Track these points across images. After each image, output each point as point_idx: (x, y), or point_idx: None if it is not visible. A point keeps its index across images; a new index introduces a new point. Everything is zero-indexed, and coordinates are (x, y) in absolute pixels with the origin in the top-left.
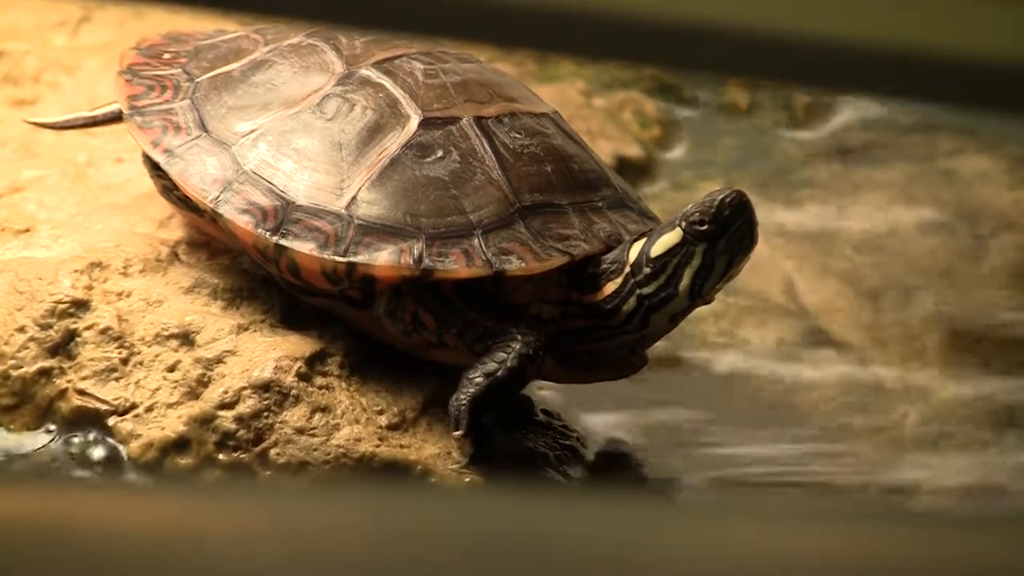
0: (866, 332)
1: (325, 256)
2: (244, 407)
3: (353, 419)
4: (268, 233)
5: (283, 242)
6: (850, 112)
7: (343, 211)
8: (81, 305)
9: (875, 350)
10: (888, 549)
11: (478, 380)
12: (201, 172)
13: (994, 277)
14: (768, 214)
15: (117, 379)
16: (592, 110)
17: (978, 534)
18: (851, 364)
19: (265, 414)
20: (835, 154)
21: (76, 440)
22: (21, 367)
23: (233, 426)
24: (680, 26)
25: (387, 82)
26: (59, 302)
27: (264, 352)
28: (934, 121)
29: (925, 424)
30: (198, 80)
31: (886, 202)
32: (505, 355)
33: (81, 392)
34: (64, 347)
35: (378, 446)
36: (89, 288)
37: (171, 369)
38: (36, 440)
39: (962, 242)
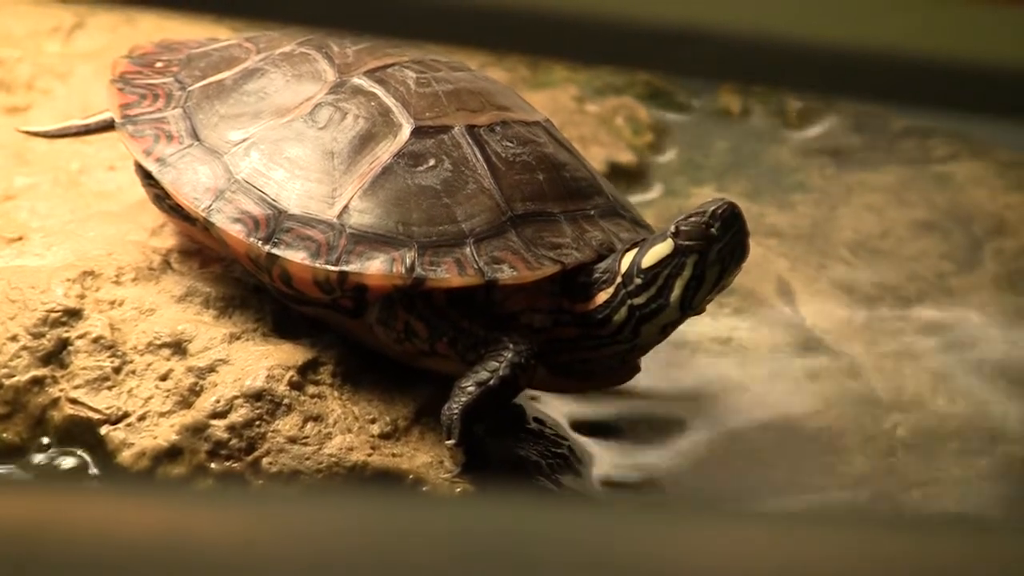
0: (859, 336)
1: (317, 265)
2: (236, 416)
3: (345, 428)
4: (260, 242)
5: (275, 251)
6: (843, 116)
7: (335, 220)
8: (73, 314)
9: (868, 356)
10: (878, 554)
11: (470, 389)
12: (193, 181)
13: (987, 280)
14: (761, 219)
15: (109, 388)
16: (585, 116)
17: (968, 542)
18: (843, 370)
19: (257, 423)
20: (828, 158)
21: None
22: (13, 376)
23: (225, 435)
24: (672, 31)
25: (379, 91)
26: (51, 311)
27: (256, 361)
28: (927, 125)
29: (917, 432)
30: (190, 89)
31: (879, 205)
32: (497, 364)
33: (73, 401)
34: (56, 356)
35: (370, 455)
36: (81, 297)
37: (163, 378)
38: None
39: (956, 245)
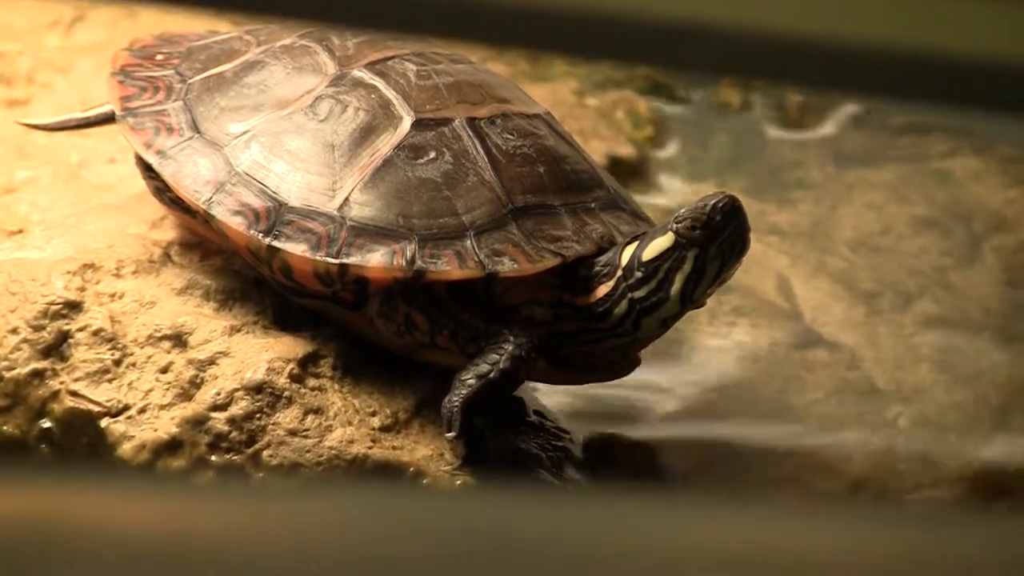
0: (859, 332)
1: (317, 258)
2: (237, 409)
3: (346, 421)
4: (261, 235)
5: (275, 244)
6: (843, 112)
7: (335, 212)
8: (74, 306)
9: (868, 350)
10: (877, 549)
11: (470, 382)
12: (194, 173)
13: (988, 276)
14: (761, 214)
15: (110, 380)
16: (585, 110)
17: (971, 534)
18: (844, 364)
19: (258, 416)
20: (828, 155)
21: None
22: (14, 368)
23: (226, 428)
24: (673, 25)
25: (380, 83)
26: (52, 303)
27: (257, 353)
28: (927, 121)
29: (918, 425)
30: (191, 81)
31: (879, 202)
32: (497, 357)
33: (74, 394)
34: (57, 348)
35: (371, 448)
36: (82, 289)
37: (164, 370)
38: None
39: (956, 241)
